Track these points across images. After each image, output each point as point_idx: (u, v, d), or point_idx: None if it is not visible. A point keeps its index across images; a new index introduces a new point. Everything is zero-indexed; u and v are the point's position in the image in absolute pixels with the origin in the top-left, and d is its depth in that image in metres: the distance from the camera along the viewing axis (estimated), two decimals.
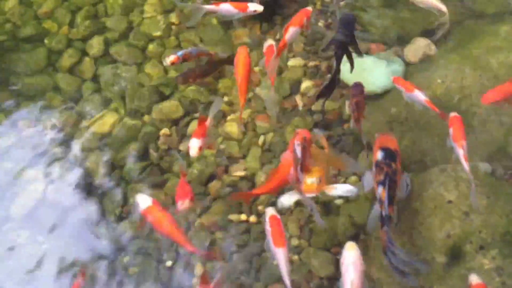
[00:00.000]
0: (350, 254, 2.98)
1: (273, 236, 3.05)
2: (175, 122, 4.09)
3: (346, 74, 3.97)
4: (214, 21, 4.51)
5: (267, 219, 3.15)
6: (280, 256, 3.00)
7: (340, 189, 3.27)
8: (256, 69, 4.23)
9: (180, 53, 3.80)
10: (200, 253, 3.33)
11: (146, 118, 4.13)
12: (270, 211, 3.19)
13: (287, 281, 2.96)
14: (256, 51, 4.31)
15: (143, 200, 3.26)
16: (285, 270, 2.98)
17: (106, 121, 4.12)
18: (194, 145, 3.28)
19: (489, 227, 3.18)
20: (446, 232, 3.21)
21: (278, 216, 3.16)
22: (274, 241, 3.03)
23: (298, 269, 3.49)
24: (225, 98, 4.17)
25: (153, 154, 3.96)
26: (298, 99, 4.11)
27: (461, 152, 3.22)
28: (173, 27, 4.54)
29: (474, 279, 2.99)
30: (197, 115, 4.09)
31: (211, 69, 4.02)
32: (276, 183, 3.30)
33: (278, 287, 3.43)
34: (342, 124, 3.96)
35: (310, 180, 3.15)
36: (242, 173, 3.84)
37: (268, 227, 3.10)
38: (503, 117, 3.64)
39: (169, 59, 3.77)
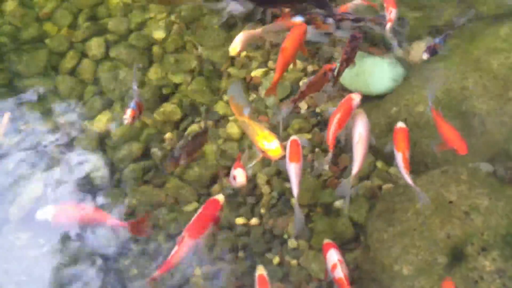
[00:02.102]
0: (361, 116, 3.31)
1: (290, 154, 3.21)
2: (175, 124, 4.10)
3: (346, 77, 3.99)
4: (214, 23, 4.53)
5: (288, 143, 3.29)
6: (292, 170, 3.17)
7: None
8: (259, 71, 4.25)
9: (132, 104, 3.48)
10: (123, 224, 3.28)
11: (146, 119, 4.12)
12: (293, 137, 3.33)
13: (295, 191, 3.15)
14: (257, 52, 4.33)
15: (47, 210, 3.22)
16: (295, 182, 3.16)
17: (102, 118, 4.12)
18: (240, 173, 3.21)
19: (490, 228, 3.18)
20: (447, 233, 3.21)
21: (299, 142, 3.30)
22: (290, 157, 3.21)
23: (297, 272, 3.50)
24: (225, 98, 4.17)
25: (157, 153, 3.95)
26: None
27: None
28: (175, 27, 4.54)
29: (399, 124, 3.31)
30: (198, 118, 4.12)
31: (200, 141, 3.67)
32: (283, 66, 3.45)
33: (280, 286, 3.46)
34: None
35: (274, 145, 3.15)
36: None
37: (287, 148, 3.25)
38: (504, 118, 3.64)
39: (127, 115, 3.44)
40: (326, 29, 3.87)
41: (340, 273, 3.01)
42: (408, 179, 3.14)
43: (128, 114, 3.43)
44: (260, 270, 3.24)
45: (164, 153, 3.95)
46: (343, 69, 3.48)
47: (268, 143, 3.15)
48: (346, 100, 3.34)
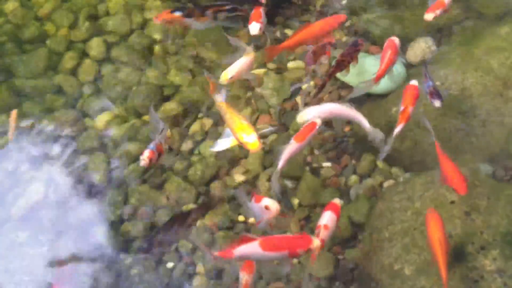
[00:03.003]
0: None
1: (299, 132, 3.29)
2: (176, 123, 4.11)
3: (347, 75, 3.99)
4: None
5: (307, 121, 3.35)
6: (289, 146, 3.22)
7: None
8: (260, 71, 4.25)
9: (152, 146, 3.22)
10: None
11: (147, 118, 4.12)
12: (315, 119, 3.35)
13: (280, 164, 3.19)
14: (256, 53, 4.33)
15: None
16: (285, 157, 3.20)
17: (102, 118, 4.13)
18: (272, 202, 3.08)
19: (490, 228, 3.18)
20: (448, 232, 3.21)
21: (317, 126, 3.30)
22: (296, 135, 3.26)
23: (298, 271, 3.50)
24: None
25: None
26: (298, 99, 4.12)
27: None
28: (175, 27, 4.54)
29: (412, 81, 3.37)
30: (200, 115, 4.13)
31: (180, 226, 3.34)
32: (298, 39, 3.56)
33: (279, 285, 3.47)
34: (343, 126, 3.95)
35: (252, 138, 3.10)
36: (242, 177, 3.85)
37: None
38: (504, 118, 3.65)
39: (145, 155, 3.19)
40: (205, 20, 3.97)
41: (317, 234, 3.10)
42: (397, 129, 3.24)
43: (145, 155, 3.17)
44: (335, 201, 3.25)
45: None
46: (335, 71, 3.51)
47: (247, 136, 3.11)
48: (389, 42, 3.46)
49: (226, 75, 3.50)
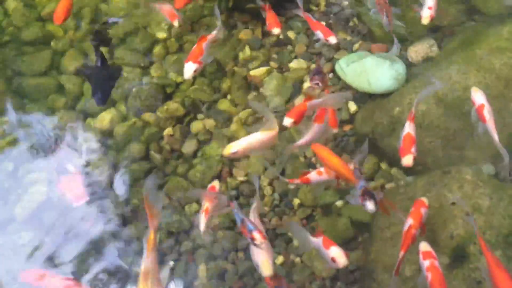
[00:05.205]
0: None
1: (316, 115, 3.36)
2: (178, 121, 4.10)
3: (349, 75, 4.00)
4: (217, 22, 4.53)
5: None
6: (313, 128, 3.31)
7: None
8: (262, 70, 4.24)
9: (251, 226, 2.94)
10: None
11: (149, 117, 4.13)
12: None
13: (300, 142, 3.34)
14: (258, 52, 4.34)
15: None
16: (306, 139, 3.31)
17: (105, 116, 4.12)
18: (339, 254, 2.89)
19: (492, 228, 3.18)
20: (450, 233, 3.20)
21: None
22: (315, 117, 3.35)
23: (300, 271, 3.50)
24: (228, 97, 4.18)
25: (156, 156, 3.95)
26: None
27: None
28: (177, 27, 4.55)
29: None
30: (200, 116, 4.12)
31: None
32: None
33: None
34: (343, 125, 3.95)
35: None
36: (243, 178, 3.85)
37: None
38: (507, 118, 3.64)
39: (258, 237, 2.90)
40: None
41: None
42: None
43: (257, 237, 2.90)
44: (214, 183, 3.43)
45: (164, 156, 3.96)
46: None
47: None
48: None
49: (229, 149, 3.09)
